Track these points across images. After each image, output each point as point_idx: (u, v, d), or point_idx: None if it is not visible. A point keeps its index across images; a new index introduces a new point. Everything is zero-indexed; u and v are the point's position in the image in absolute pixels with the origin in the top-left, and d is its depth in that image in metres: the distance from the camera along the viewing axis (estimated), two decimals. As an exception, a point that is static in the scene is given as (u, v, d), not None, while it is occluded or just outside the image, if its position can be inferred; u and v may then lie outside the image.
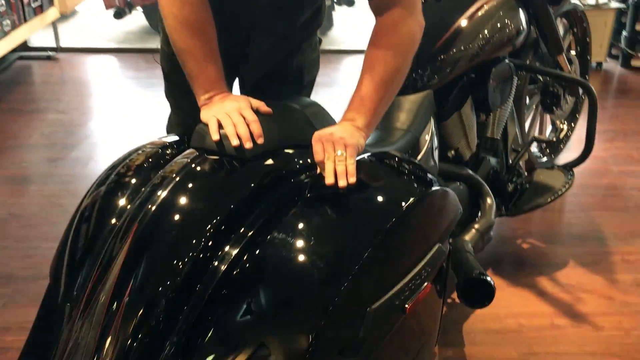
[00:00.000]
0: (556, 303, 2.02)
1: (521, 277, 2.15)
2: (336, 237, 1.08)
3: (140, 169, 1.33)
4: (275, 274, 1.03)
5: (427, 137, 1.73)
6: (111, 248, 1.13)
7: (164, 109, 1.78)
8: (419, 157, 1.68)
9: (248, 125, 1.21)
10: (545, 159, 2.87)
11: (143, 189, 1.23)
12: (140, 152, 1.39)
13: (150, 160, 1.34)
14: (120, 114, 3.67)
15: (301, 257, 1.03)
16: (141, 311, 1.01)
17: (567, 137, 2.92)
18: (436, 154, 1.79)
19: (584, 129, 2.20)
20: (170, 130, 1.76)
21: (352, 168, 1.17)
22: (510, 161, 2.17)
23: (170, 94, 1.69)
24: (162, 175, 1.22)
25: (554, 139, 2.33)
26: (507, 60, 1.96)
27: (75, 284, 1.18)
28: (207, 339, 1.00)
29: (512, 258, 2.32)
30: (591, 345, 1.84)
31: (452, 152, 1.90)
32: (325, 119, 1.38)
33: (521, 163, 2.23)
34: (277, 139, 1.26)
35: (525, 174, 2.22)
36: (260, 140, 1.21)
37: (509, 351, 1.82)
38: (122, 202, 1.24)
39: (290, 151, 1.27)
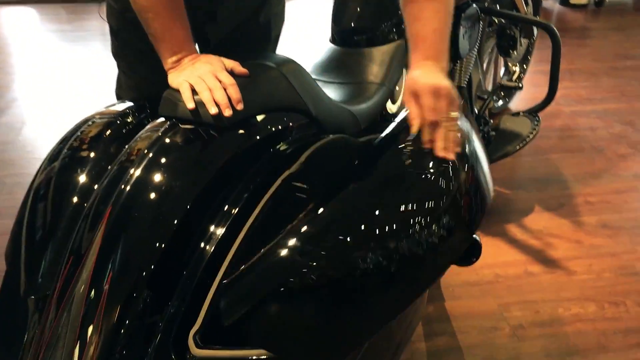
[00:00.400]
0: (528, 250, 2.02)
1: (491, 226, 2.13)
2: (372, 226, 0.94)
3: (97, 141, 1.22)
4: (283, 263, 0.92)
5: (401, 89, 1.64)
6: (82, 233, 1.01)
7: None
8: (394, 109, 1.60)
9: (225, 90, 1.08)
10: (500, 102, 2.85)
11: (110, 166, 1.11)
12: (93, 122, 1.27)
13: (108, 131, 1.24)
14: (47, 72, 3.39)
15: (321, 246, 0.91)
16: (125, 299, 0.91)
17: (520, 79, 2.90)
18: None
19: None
20: (121, 94, 1.59)
21: (457, 136, 0.98)
22: (476, 110, 2.11)
23: (119, 54, 1.50)
24: (130, 151, 1.09)
25: (520, 85, 2.30)
26: (474, 5, 1.88)
27: (38, 271, 1.06)
28: (200, 326, 0.91)
29: (479, 207, 2.29)
30: (566, 291, 1.85)
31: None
32: (304, 78, 1.26)
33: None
34: (257, 103, 1.14)
35: (491, 121, 2.18)
36: (239, 106, 1.08)
37: (488, 302, 1.80)
38: (82, 179, 1.15)
39: (271, 116, 1.15)
